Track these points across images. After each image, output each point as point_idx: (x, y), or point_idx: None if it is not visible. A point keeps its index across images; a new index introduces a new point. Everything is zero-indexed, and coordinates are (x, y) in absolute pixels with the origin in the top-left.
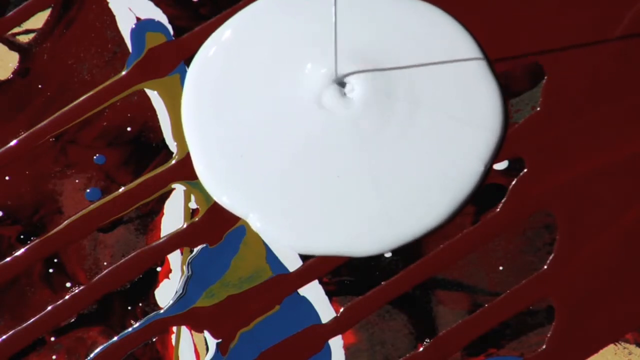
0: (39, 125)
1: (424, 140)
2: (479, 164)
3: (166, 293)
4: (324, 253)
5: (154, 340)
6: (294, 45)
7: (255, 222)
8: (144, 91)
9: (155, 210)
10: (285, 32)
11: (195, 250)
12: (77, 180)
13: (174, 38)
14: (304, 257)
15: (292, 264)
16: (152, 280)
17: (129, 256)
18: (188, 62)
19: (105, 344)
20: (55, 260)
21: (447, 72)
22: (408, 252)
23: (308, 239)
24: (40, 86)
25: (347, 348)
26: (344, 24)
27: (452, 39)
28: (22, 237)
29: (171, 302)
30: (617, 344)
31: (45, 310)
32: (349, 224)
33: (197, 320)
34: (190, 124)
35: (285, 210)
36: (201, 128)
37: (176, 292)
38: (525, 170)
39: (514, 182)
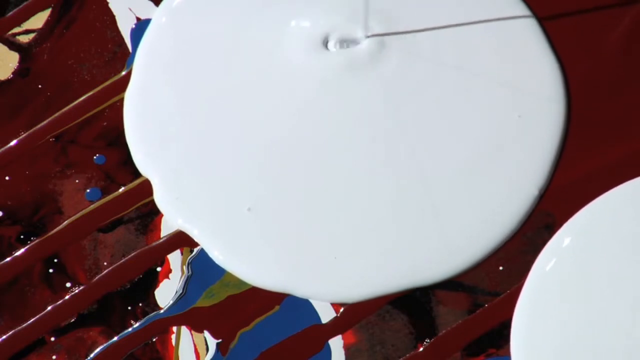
0: (39, 125)
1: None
2: (533, 185)
3: (166, 293)
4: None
5: (154, 340)
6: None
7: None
8: None
9: (155, 210)
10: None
11: (195, 250)
12: (77, 180)
13: None
14: None
15: None
16: (152, 280)
17: (129, 256)
18: None
19: (105, 344)
20: (55, 260)
21: (493, 33)
22: None
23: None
24: (40, 86)
25: (347, 348)
26: None
27: None
28: (22, 237)
29: (171, 302)
30: None
31: (45, 310)
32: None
33: (197, 320)
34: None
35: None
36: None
37: (176, 292)
38: None
39: None
